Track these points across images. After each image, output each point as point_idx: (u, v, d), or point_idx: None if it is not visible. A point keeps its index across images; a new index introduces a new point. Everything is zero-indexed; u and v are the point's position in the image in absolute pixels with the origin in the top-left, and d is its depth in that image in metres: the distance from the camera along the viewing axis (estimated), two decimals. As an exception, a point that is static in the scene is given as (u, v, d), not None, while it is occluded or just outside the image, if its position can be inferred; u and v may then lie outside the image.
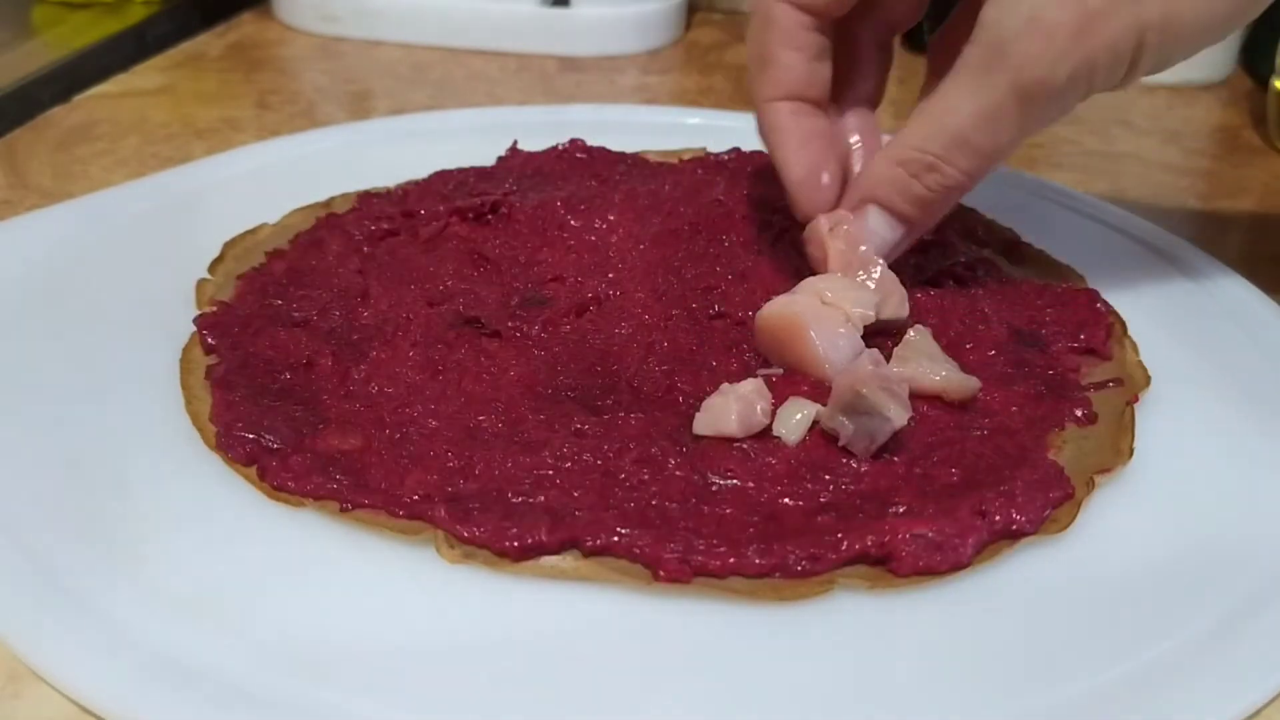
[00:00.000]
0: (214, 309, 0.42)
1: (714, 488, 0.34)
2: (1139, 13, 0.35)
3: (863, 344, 0.39)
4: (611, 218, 0.47)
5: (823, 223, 0.41)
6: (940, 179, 0.39)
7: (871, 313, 0.39)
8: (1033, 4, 0.36)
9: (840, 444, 0.35)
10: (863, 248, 0.40)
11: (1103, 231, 0.52)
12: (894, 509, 0.33)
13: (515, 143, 0.55)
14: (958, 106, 0.37)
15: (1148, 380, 0.40)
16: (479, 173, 0.53)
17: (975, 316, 0.43)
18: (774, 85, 0.41)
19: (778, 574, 0.31)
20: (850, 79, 0.44)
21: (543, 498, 0.33)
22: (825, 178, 0.41)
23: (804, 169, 0.41)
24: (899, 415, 0.35)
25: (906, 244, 0.41)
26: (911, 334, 0.39)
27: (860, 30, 0.43)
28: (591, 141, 0.55)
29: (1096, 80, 0.37)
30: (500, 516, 0.32)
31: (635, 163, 0.54)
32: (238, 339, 0.40)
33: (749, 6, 0.41)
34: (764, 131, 0.42)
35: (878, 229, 0.40)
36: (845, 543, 0.32)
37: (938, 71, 0.42)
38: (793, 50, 0.41)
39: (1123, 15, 0.35)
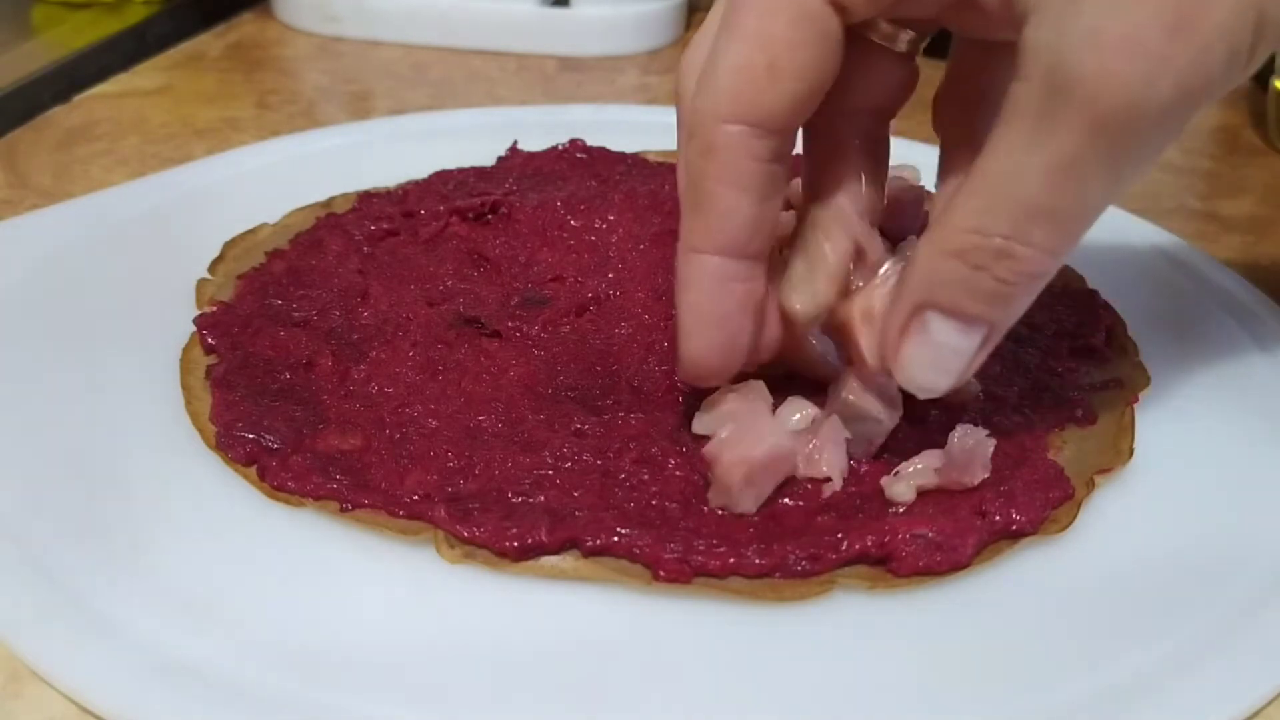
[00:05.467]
0: (214, 309, 0.42)
1: (714, 488, 0.34)
2: None
3: None
4: (611, 218, 0.47)
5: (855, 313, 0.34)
6: (1017, 265, 0.29)
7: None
8: (1098, 10, 0.26)
9: (839, 446, 0.35)
10: (927, 374, 0.32)
11: (1103, 231, 0.52)
12: (894, 509, 0.33)
13: (515, 143, 0.55)
14: (1021, 166, 0.28)
15: (1148, 380, 0.40)
16: (479, 173, 0.53)
17: (975, 316, 0.43)
18: (706, 234, 0.32)
19: (778, 574, 0.31)
20: (839, 182, 0.34)
21: (543, 498, 0.33)
22: (721, 360, 0.33)
23: (705, 350, 0.33)
24: (890, 416, 0.35)
25: (988, 351, 0.32)
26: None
27: (838, 125, 0.34)
28: (591, 141, 0.55)
29: (1212, 89, 0.27)
30: (500, 516, 0.32)
31: (635, 163, 0.54)
32: (238, 339, 0.40)
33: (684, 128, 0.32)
34: (680, 284, 0.33)
35: (946, 340, 0.31)
36: (845, 543, 0.32)
37: (954, 143, 0.34)
38: (736, 191, 0.31)
39: None
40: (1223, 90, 0.28)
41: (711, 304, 0.32)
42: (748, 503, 0.33)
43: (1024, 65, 0.28)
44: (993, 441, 0.34)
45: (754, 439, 0.33)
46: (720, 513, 0.33)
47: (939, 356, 0.31)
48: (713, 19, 0.32)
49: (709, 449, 0.33)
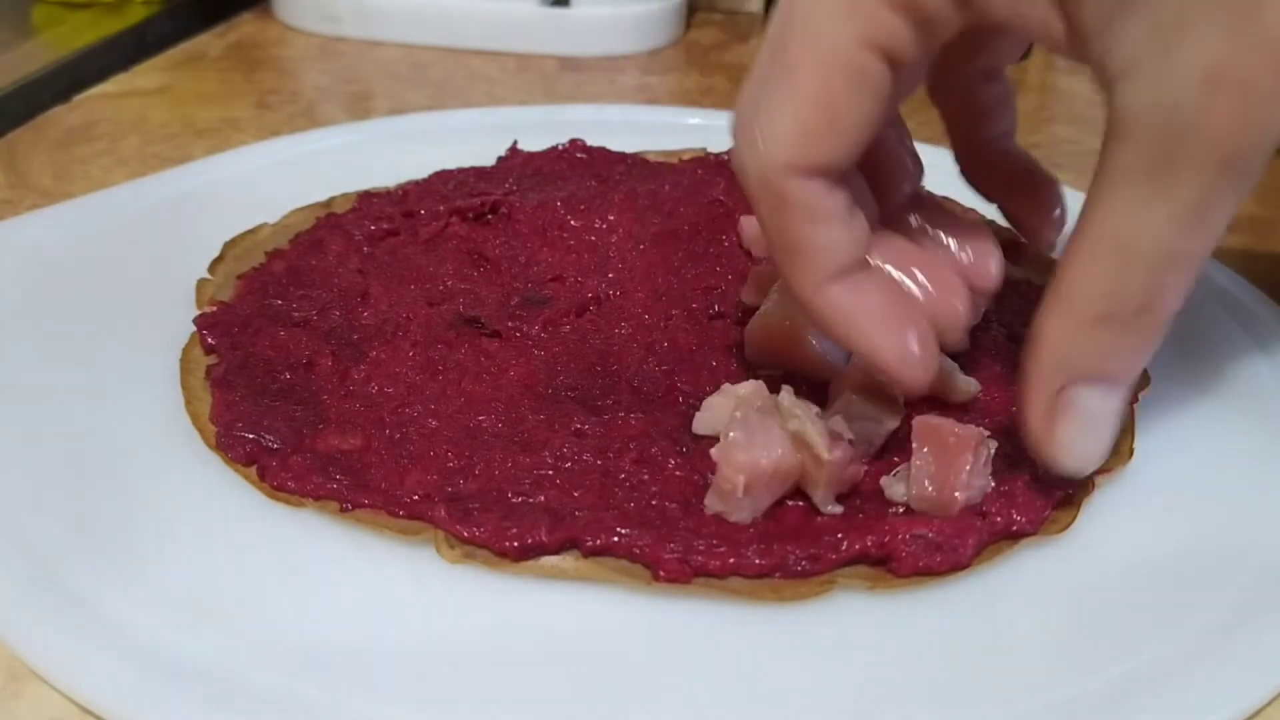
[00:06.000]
0: (214, 309, 0.42)
1: (714, 488, 0.34)
2: None
3: None
4: (611, 218, 0.47)
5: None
6: (1158, 315, 0.30)
7: None
8: (1201, 61, 0.27)
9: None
10: (1089, 448, 0.32)
11: (1103, 231, 0.52)
12: (894, 509, 0.33)
13: (515, 143, 0.55)
14: (1146, 221, 0.28)
15: (1148, 380, 0.40)
16: (479, 173, 0.53)
17: (975, 317, 0.43)
18: (816, 272, 0.32)
19: (778, 574, 0.31)
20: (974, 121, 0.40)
21: (543, 498, 0.33)
22: (918, 345, 0.33)
23: (898, 344, 0.32)
24: (891, 416, 0.35)
25: (1126, 400, 0.32)
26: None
27: (958, 74, 0.39)
28: (591, 141, 0.55)
29: None
30: (500, 516, 0.32)
31: (635, 163, 0.54)
32: (238, 339, 0.40)
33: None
34: (823, 321, 0.33)
35: (1098, 407, 0.31)
36: (845, 543, 0.32)
37: (954, 115, 0.41)
38: (824, 225, 0.32)
39: None
40: None
41: (865, 317, 0.32)
42: (744, 512, 0.33)
43: (1126, 128, 0.28)
44: (993, 443, 0.34)
45: (762, 448, 0.32)
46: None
47: (1094, 426, 0.32)
48: (761, 71, 0.32)
49: (715, 451, 0.33)
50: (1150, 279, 0.29)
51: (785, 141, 0.31)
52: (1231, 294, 0.46)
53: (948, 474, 0.33)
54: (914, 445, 0.33)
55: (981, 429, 0.34)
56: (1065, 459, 0.32)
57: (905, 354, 0.32)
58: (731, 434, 0.33)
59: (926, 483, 0.33)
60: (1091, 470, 0.33)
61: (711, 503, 0.33)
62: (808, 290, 0.32)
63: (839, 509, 0.33)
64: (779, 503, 0.33)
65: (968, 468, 0.33)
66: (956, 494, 0.33)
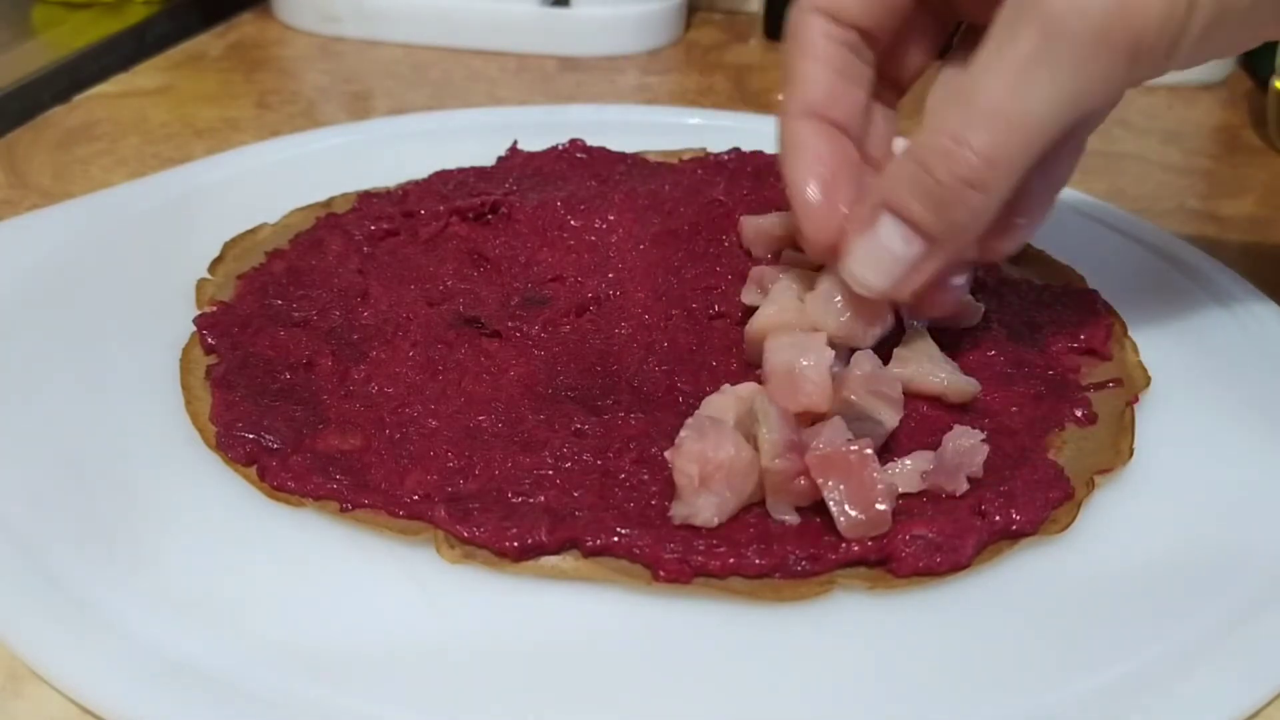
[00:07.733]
0: (214, 309, 0.42)
1: (714, 488, 0.34)
2: None
3: None
4: (611, 218, 0.47)
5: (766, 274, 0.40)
6: (954, 166, 0.32)
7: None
8: None
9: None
10: (867, 270, 0.35)
11: (1103, 231, 0.52)
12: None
13: (515, 143, 0.55)
14: (985, 73, 0.31)
15: (1148, 380, 0.40)
16: (479, 173, 0.53)
17: (975, 316, 0.43)
18: (793, 100, 0.37)
19: (778, 574, 0.31)
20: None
21: (542, 498, 0.33)
22: (831, 200, 0.36)
23: (813, 191, 0.36)
24: (890, 417, 0.35)
25: (928, 271, 0.35)
26: (911, 335, 0.39)
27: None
28: (591, 141, 0.55)
29: (1149, 32, 0.30)
30: (500, 516, 0.32)
31: (635, 163, 0.54)
32: (238, 339, 0.40)
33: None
34: (780, 148, 0.38)
35: (890, 242, 0.34)
36: (845, 543, 0.32)
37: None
38: (813, 62, 0.37)
39: None
40: (1167, 39, 0.31)
41: (805, 154, 0.37)
42: (708, 511, 0.32)
43: None
44: (986, 447, 0.34)
45: (713, 442, 0.32)
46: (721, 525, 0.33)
47: (880, 257, 0.35)
48: None
49: (669, 453, 0.33)
50: (959, 125, 0.32)
51: None
52: (1231, 294, 0.46)
53: (863, 491, 0.32)
54: (819, 483, 0.32)
55: (978, 430, 0.34)
56: (845, 263, 0.36)
57: (804, 198, 0.36)
58: (683, 434, 0.33)
59: (851, 511, 0.32)
60: (867, 290, 0.35)
61: (677, 510, 0.32)
62: (782, 116, 0.38)
63: (795, 519, 0.33)
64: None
65: (876, 474, 0.32)
66: (879, 506, 0.32)
